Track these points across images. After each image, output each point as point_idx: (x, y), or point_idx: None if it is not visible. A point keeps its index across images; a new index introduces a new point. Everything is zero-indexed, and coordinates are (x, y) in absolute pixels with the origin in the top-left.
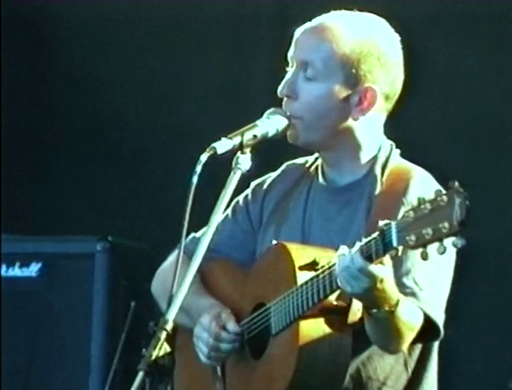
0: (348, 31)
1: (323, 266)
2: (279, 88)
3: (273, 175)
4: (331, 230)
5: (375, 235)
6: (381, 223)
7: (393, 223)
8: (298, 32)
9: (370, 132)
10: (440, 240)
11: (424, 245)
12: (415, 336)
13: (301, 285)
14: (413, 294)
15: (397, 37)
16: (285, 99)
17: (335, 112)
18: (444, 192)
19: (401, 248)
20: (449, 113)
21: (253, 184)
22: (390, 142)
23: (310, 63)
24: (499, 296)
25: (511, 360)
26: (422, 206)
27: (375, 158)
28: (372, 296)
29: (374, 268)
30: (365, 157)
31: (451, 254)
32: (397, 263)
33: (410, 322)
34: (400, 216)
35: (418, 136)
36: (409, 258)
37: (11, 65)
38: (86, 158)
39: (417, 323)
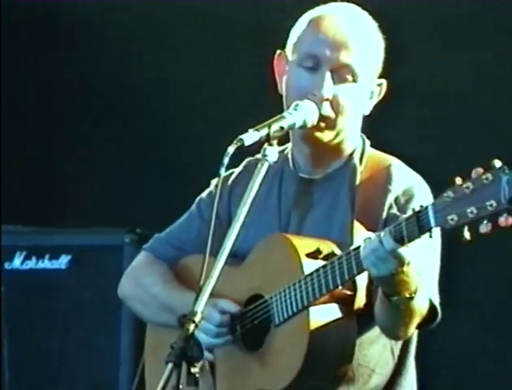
0: (373, 31)
1: (326, 255)
2: (323, 91)
3: (235, 171)
4: (313, 219)
5: (406, 217)
6: (415, 205)
7: (430, 205)
8: (323, 26)
9: (358, 127)
10: (485, 218)
11: (466, 224)
12: None
13: (311, 274)
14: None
15: None
16: (322, 101)
17: (360, 110)
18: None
19: (435, 229)
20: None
21: (214, 180)
22: (360, 133)
23: (347, 66)
24: (482, 283)
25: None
26: (463, 186)
27: (353, 149)
28: (396, 281)
29: (403, 250)
30: (347, 150)
31: (439, 240)
32: None
33: (422, 308)
34: (438, 198)
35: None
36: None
37: (13, 61)
38: (116, 151)
39: (425, 310)
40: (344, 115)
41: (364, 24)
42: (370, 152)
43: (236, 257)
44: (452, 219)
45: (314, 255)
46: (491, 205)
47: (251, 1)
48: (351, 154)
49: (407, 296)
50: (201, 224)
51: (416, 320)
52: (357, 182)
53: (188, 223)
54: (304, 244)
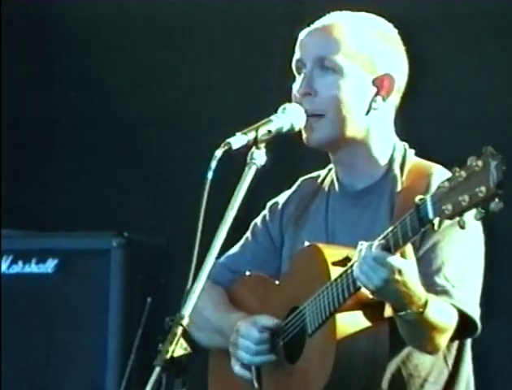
0: (357, 24)
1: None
2: (296, 88)
3: (288, 192)
4: (356, 233)
5: (409, 212)
6: (416, 198)
7: (428, 196)
8: (303, 34)
9: (383, 128)
10: (477, 205)
11: (461, 213)
12: (453, 333)
13: (335, 279)
14: (445, 292)
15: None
16: (303, 97)
17: (355, 104)
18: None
19: (437, 220)
20: (451, 111)
21: (268, 204)
22: (403, 143)
23: (324, 58)
24: None
25: None
26: (456, 174)
27: (391, 159)
28: (395, 292)
29: (390, 258)
30: (381, 157)
31: (481, 247)
32: (427, 262)
33: (443, 322)
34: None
35: (420, 134)
36: (438, 256)
37: (12, 61)
38: (102, 154)
39: (451, 323)
40: (330, 107)
41: (355, 23)
42: (414, 161)
43: None
44: (447, 209)
45: (343, 262)
46: (481, 192)
47: (243, 4)
48: (391, 164)
49: (414, 310)
50: (256, 247)
51: (441, 334)
52: (398, 191)
53: (243, 247)
54: (334, 253)
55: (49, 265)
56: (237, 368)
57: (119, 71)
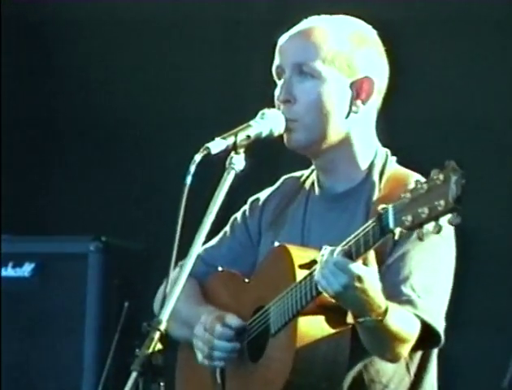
0: (334, 27)
1: None
2: (276, 94)
3: (270, 189)
4: (331, 237)
5: (372, 220)
6: (379, 207)
7: (390, 206)
8: (282, 40)
9: (364, 130)
10: (436, 218)
11: (420, 225)
12: (416, 343)
13: (299, 282)
14: (410, 302)
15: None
16: (283, 104)
17: (334, 108)
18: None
19: (398, 230)
20: (435, 114)
21: (250, 199)
22: (385, 150)
23: (303, 64)
24: (497, 297)
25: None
26: (418, 186)
27: (371, 165)
28: (355, 299)
29: (351, 264)
30: (362, 161)
31: (451, 259)
32: (395, 271)
33: (403, 331)
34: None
35: (406, 138)
36: (406, 265)
37: (11, 65)
38: (80, 158)
39: (412, 332)
40: (309, 113)
41: (333, 26)
42: (394, 169)
43: None
44: (407, 220)
45: (309, 265)
46: (440, 205)
47: (228, 8)
48: (371, 170)
49: (373, 317)
50: (233, 241)
51: (403, 342)
52: (375, 198)
53: (221, 241)
54: (302, 255)
55: (26, 269)
56: (202, 358)
57: (105, 75)
